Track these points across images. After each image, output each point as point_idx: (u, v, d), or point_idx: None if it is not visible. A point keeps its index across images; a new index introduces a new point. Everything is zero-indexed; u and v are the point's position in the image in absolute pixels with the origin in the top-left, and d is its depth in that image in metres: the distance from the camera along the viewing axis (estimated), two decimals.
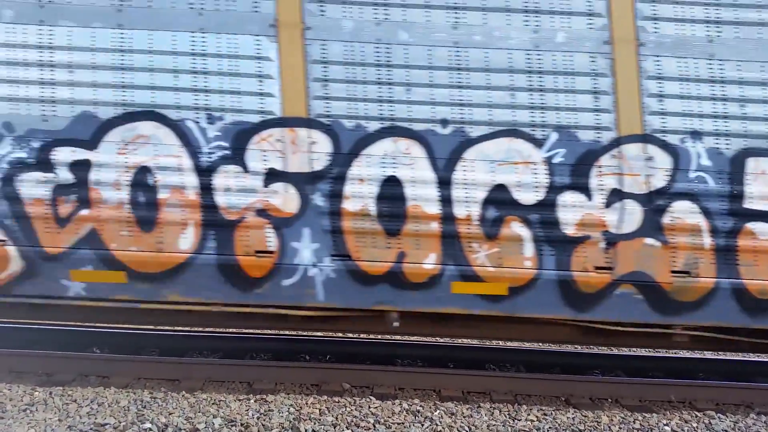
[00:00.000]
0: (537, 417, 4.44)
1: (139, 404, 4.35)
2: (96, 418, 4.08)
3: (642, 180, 4.57)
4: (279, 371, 5.06)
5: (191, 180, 4.55)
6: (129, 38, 4.57)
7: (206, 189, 4.56)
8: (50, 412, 4.18)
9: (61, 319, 5.13)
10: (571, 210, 4.57)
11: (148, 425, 3.97)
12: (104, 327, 6.42)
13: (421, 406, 4.52)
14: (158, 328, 5.94)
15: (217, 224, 4.57)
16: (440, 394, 4.87)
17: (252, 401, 4.49)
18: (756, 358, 6.00)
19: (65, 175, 4.53)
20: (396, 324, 4.79)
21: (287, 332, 6.78)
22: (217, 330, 6.04)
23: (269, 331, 6.44)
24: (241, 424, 4.04)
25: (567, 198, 4.57)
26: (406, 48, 4.61)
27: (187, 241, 4.57)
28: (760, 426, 4.47)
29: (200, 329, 6.07)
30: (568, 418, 4.45)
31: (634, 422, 4.41)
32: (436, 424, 4.20)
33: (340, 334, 5.42)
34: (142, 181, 4.55)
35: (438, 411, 4.44)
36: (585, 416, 4.50)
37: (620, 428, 4.31)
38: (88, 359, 5.12)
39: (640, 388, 4.99)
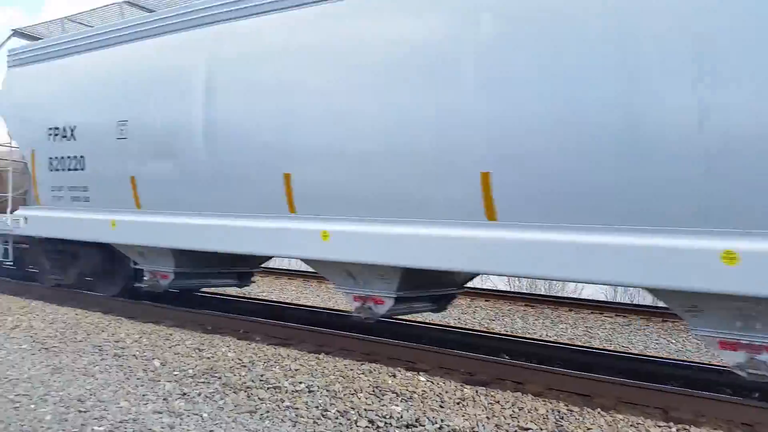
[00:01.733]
0: None
1: (557, 414, 4.52)
2: (518, 422, 4.38)
3: None
4: (697, 402, 4.65)
5: None
6: None
7: None
8: (478, 409, 4.66)
9: None
10: None
11: None
12: (514, 336, 6.92)
13: None
14: (561, 342, 6.11)
15: None
16: None
17: (673, 430, 4.22)
18: None
19: None
20: None
21: (697, 361, 6.23)
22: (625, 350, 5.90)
23: (683, 358, 6.02)
24: None
25: None
26: None
27: None
28: None
29: (607, 347, 6.01)
30: None
31: None
32: None
33: None
34: None
35: None
36: None
37: None
38: (504, 364, 5.57)
39: None
